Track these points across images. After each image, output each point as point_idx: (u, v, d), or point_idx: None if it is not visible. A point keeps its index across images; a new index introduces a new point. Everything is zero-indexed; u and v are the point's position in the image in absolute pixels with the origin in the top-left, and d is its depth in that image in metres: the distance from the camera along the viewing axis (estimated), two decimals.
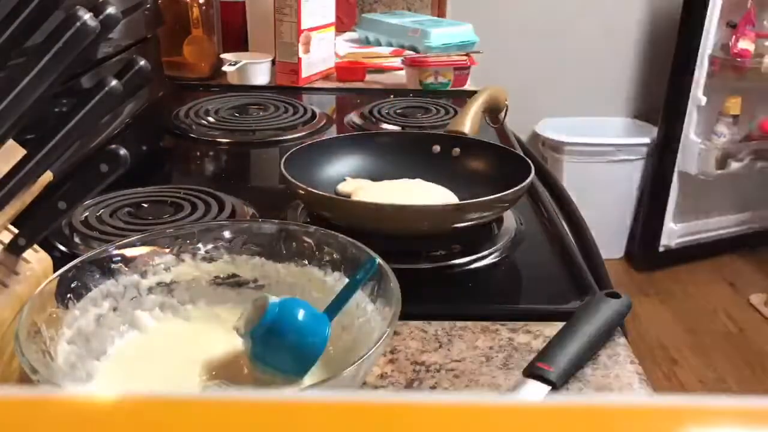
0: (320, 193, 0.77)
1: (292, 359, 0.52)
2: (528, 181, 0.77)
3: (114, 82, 0.46)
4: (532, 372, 0.55)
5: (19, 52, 0.44)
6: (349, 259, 0.58)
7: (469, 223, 0.75)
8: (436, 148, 0.92)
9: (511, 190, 0.74)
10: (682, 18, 2.51)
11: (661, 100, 2.72)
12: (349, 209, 0.75)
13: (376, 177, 0.89)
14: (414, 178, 0.88)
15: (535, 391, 0.54)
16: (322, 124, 1.22)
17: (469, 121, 0.99)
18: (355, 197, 0.81)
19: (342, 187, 0.87)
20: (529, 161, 0.82)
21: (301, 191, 0.77)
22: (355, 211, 0.75)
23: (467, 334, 0.63)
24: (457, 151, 0.91)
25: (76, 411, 0.16)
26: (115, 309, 0.56)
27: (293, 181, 0.77)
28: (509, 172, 0.81)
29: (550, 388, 0.54)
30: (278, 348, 0.51)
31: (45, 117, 0.54)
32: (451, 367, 0.59)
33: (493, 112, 1.12)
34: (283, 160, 0.82)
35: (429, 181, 0.87)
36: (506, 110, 1.13)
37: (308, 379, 0.52)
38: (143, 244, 0.59)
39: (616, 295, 0.64)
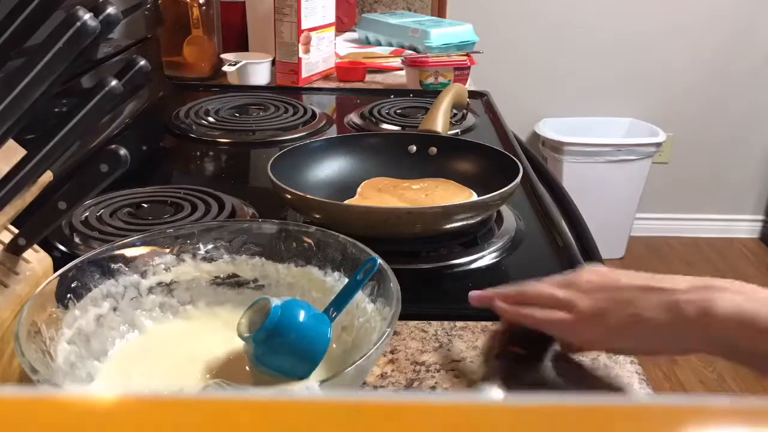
0: (307, 196, 0.76)
1: (296, 361, 0.52)
2: (516, 182, 0.77)
3: (114, 82, 0.46)
4: None
5: (19, 52, 0.44)
6: (349, 259, 0.58)
7: (456, 225, 0.75)
8: (413, 147, 0.92)
9: (500, 192, 0.74)
10: None
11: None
12: (336, 211, 0.75)
13: (365, 178, 0.89)
14: (400, 178, 0.89)
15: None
16: (322, 124, 1.22)
17: (441, 120, 1.00)
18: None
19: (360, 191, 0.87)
20: (515, 159, 0.83)
21: (288, 195, 0.76)
22: (345, 214, 0.75)
23: (467, 334, 0.63)
24: (434, 150, 0.92)
25: (76, 411, 0.16)
26: (115, 309, 0.56)
27: (280, 184, 0.76)
28: (496, 170, 0.82)
29: None
30: (281, 351, 0.51)
31: (45, 117, 0.54)
32: (451, 367, 0.59)
33: (457, 108, 1.15)
34: (269, 165, 0.81)
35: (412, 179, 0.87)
36: (468, 106, 1.17)
37: (309, 380, 0.52)
38: (143, 244, 0.59)
39: None
